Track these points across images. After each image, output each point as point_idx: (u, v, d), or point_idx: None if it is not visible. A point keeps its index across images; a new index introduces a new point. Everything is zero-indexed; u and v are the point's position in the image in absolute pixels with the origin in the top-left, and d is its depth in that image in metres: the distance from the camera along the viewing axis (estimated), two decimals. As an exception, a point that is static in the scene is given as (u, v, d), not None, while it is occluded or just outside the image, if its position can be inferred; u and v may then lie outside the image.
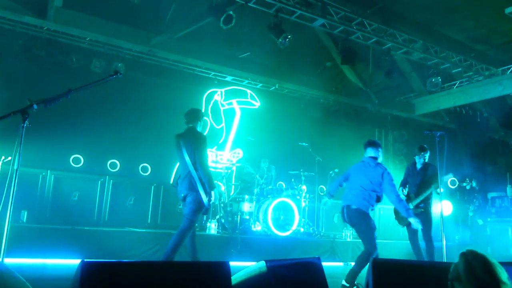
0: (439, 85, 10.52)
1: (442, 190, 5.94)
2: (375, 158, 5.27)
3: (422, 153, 6.36)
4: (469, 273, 1.99)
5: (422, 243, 6.15)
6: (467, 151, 12.39)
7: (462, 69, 10.38)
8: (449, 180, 9.39)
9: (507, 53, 10.34)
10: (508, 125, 12.95)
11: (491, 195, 11.13)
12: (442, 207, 5.73)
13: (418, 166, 6.40)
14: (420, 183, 6.28)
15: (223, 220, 8.00)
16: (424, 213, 6.07)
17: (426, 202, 6.19)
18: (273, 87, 10.78)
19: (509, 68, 10.30)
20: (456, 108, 12.13)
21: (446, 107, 11.80)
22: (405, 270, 2.91)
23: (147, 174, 8.98)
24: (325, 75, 11.18)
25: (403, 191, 6.44)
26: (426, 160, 6.42)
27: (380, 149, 5.37)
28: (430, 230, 6.05)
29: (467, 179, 10.24)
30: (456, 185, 9.65)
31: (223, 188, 8.77)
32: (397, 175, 12.03)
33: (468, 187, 9.03)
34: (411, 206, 6.10)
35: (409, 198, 6.28)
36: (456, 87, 11.22)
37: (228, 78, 10.30)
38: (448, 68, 10.29)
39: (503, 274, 1.99)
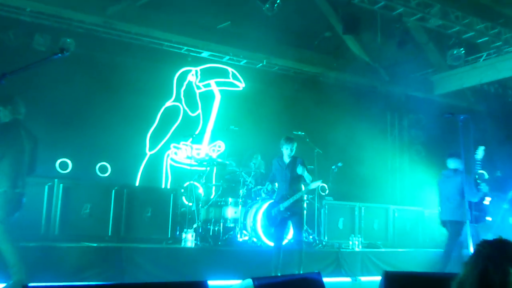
0: (462, 58, 10.55)
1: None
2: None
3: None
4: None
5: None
6: (496, 138, 12.47)
7: (489, 39, 10.41)
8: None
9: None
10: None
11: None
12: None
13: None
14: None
15: (201, 230, 7.96)
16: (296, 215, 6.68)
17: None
18: (260, 64, 10.74)
19: (545, 37, 10.37)
20: (483, 86, 12.19)
21: (471, 84, 11.85)
22: (420, 284, 2.95)
23: (106, 175, 8.90)
24: (323, 48, 11.14)
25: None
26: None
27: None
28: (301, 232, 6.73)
29: (498, 171, 10.35)
30: (486, 177, 9.73)
31: (201, 190, 8.73)
32: (414, 170, 12.23)
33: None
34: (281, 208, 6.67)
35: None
36: (483, 60, 11.27)
37: (205, 54, 10.23)
38: (472, 38, 10.31)
39: None
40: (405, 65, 11.69)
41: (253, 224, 7.98)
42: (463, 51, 10.40)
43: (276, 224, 6.70)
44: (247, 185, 8.49)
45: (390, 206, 10.04)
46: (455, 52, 10.47)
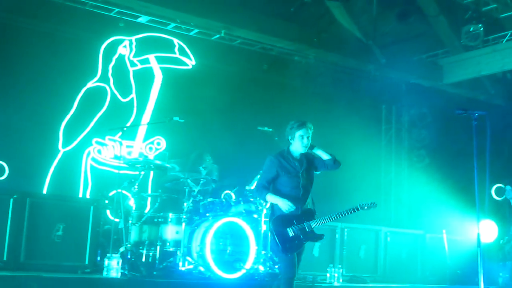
0: (480, 37, 10.74)
1: None
2: None
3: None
4: None
5: None
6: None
7: (516, 13, 10.65)
8: (494, 188, 9.71)
9: None
10: None
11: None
12: (480, 231, 5.89)
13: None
14: None
15: (131, 255, 7.87)
16: None
17: None
18: (217, 35, 10.72)
19: None
20: (506, 74, 12.47)
21: (491, 72, 12.09)
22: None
23: (1, 178, 8.72)
24: (302, 18, 11.17)
25: None
26: None
27: None
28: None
29: None
30: (504, 196, 9.94)
31: (132, 201, 8.64)
32: (414, 182, 12.35)
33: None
34: None
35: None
36: (506, 41, 11.51)
37: (143, 19, 10.15)
38: (494, 11, 10.52)
39: None
40: (407, 44, 11.85)
41: (200, 248, 7.91)
42: (482, 28, 10.58)
43: (294, 249, 6.14)
44: (194, 197, 8.43)
45: (381, 228, 10.18)
46: (471, 29, 10.67)
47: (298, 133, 6.18)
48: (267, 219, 8.91)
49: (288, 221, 6.11)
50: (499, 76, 12.54)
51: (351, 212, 6.21)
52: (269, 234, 6.45)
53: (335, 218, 6.26)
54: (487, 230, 10.40)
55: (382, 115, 13.07)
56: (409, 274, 10.05)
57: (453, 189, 11.03)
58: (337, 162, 6.37)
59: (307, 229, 6.12)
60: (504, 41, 11.54)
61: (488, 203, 9.25)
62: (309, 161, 6.34)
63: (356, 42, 11.64)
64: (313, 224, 6.14)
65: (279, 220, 6.17)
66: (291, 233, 6.07)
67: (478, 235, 5.93)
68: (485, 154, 5.95)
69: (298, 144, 6.23)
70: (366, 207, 6.22)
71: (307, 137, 6.20)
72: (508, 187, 9.26)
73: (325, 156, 6.33)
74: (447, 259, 10.72)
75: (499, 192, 11.00)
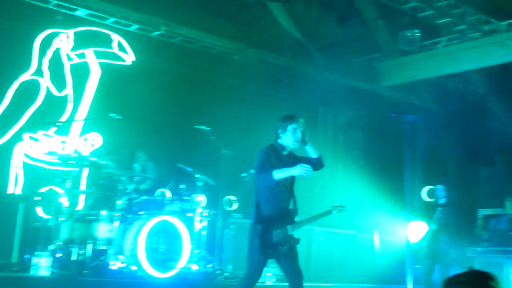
0: (416, 42, 10.95)
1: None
2: None
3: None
4: None
5: None
6: (452, 145, 13.15)
7: (451, 20, 10.85)
8: (426, 190, 9.92)
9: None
10: (512, 107, 13.86)
11: (483, 212, 11.90)
12: (409, 231, 6.04)
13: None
14: None
15: (61, 253, 7.76)
16: None
17: None
18: (158, 32, 10.63)
19: (517, 22, 10.97)
20: (441, 79, 12.77)
21: (426, 76, 12.43)
22: None
23: None
24: (243, 17, 11.23)
25: None
26: None
27: None
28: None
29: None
30: (439, 197, 10.13)
31: (64, 198, 8.42)
32: (349, 183, 12.49)
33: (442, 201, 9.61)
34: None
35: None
36: (442, 46, 11.81)
37: (81, 12, 9.96)
38: (430, 17, 10.72)
39: None
40: (346, 47, 12.00)
41: (133, 247, 7.87)
42: (419, 34, 10.79)
43: (282, 254, 5.73)
44: (128, 195, 8.39)
45: (314, 228, 10.30)
46: (408, 34, 10.85)
47: (291, 126, 5.84)
48: (202, 218, 8.97)
49: (274, 223, 5.75)
50: (434, 81, 12.83)
51: (325, 215, 6.11)
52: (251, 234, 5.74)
53: (311, 221, 6.13)
54: (417, 231, 10.62)
55: (319, 116, 13.21)
56: (341, 274, 10.18)
57: (386, 190, 11.21)
58: (322, 163, 6.06)
59: (288, 232, 5.77)
60: (440, 47, 11.83)
61: (418, 204, 9.50)
62: (295, 160, 5.92)
63: (296, 43, 11.70)
64: (293, 228, 5.78)
65: (265, 223, 5.74)
66: (275, 237, 5.70)
67: (407, 236, 6.09)
68: (417, 156, 6.10)
69: (289, 138, 5.88)
70: (336, 211, 6.07)
71: (300, 131, 5.86)
72: (439, 186, 9.50)
73: (313, 154, 5.98)
74: (378, 258, 10.93)
75: (430, 194, 11.25)
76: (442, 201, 9.56)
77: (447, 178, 11.78)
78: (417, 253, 9.54)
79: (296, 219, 5.85)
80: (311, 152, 5.98)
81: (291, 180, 5.86)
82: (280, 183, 5.73)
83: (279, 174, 5.59)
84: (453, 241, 9.64)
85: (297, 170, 5.57)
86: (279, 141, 5.90)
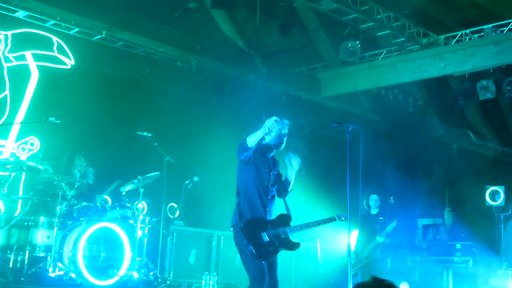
0: (357, 53, 11.22)
1: None
2: None
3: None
4: None
5: None
6: (392, 156, 13.41)
7: (390, 32, 11.18)
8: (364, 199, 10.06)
9: (453, 12, 11.32)
10: (449, 119, 14.28)
11: (422, 222, 12.19)
12: (350, 240, 6.08)
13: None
14: None
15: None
16: None
17: None
18: (99, 36, 10.52)
19: (455, 36, 11.35)
20: (380, 91, 13.05)
21: (366, 87, 12.69)
22: None
23: None
24: (186, 24, 11.21)
25: None
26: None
27: None
28: None
29: (391, 197, 11.05)
30: (373, 207, 10.27)
31: (0, 203, 8.27)
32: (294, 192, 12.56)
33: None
34: None
35: None
36: (382, 58, 12.11)
37: (20, 14, 9.79)
38: (371, 29, 11.00)
39: None
40: (288, 56, 12.13)
41: (72, 254, 7.81)
42: (359, 45, 11.03)
43: (268, 255, 5.64)
44: (68, 201, 8.30)
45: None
46: (349, 45, 11.10)
47: (279, 128, 5.88)
48: (144, 225, 8.89)
49: (261, 225, 5.65)
50: (374, 91, 13.07)
51: (328, 222, 5.88)
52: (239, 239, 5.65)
53: (311, 226, 5.93)
54: (355, 240, 10.76)
55: (261, 124, 13.27)
56: (283, 282, 10.18)
57: (327, 199, 11.32)
58: (285, 194, 6.01)
59: (282, 236, 5.68)
60: (379, 58, 12.12)
61: (358, 213, 9.61)
62: (277, 165, 5.96)
63: (238, 51, 11.79)
64: (289, 231, 5.72)
65: (252, 223, 5.64)
66: (266, 238, 5.60)
67: (349, 244, 6.15)
68: (358, 166, 6.17)
69: (274, 139, 5.96)
70: (343, 218, 5.82)
71: (285, 133, 5.97)
72: (373, 196, 9.68)
73: (291, 184, 5.93)
74: (320, 267, 11.02)
75: (367, 203, 11.47)
76: (375, 211, 9.73)
77: (387, 188, 11.98)
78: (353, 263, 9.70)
79: (293, 223, 5.79)
80: (291, 180, 5.93)
81: (273, 182, 5.81)
82: (259, 185, 5.73)
83: (251, 139, 5.58)
84: (389, 251, 9.79)
85: (269, 124, 5.67)
86: (264, 142, 5.90)
